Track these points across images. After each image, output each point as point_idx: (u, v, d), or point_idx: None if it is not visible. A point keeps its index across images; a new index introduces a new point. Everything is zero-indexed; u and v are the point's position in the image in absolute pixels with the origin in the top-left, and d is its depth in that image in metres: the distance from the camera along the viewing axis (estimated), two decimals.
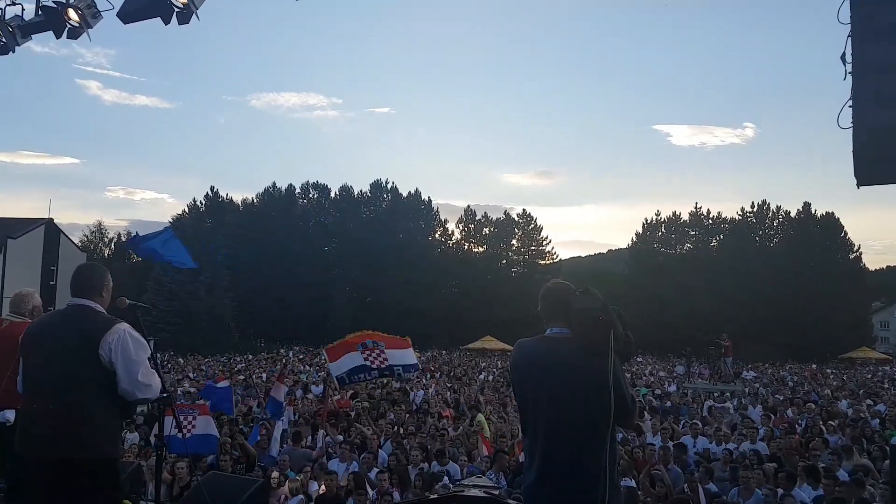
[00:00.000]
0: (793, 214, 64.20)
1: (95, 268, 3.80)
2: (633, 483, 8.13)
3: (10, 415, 4.77)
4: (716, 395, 21.98)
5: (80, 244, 60.00)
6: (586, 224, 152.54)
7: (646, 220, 67.90)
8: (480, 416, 14.12)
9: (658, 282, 58.94)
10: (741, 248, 60.97)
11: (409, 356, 11.96)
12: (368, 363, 11.41)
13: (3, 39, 8.63)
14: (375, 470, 9.26)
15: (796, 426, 13.52)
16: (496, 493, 2.31)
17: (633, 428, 11.07)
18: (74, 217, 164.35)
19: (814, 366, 40.53)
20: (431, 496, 3.58)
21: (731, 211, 67.92)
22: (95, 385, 3.33)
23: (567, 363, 3.03)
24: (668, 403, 17.98)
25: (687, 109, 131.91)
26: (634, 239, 68.13)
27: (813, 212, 63.34)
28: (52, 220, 51.08)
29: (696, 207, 66.73)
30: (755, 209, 65.25)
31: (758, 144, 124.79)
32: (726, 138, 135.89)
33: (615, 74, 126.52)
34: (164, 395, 3.85)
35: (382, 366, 11.51)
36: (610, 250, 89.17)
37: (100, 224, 76.05)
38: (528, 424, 3.21)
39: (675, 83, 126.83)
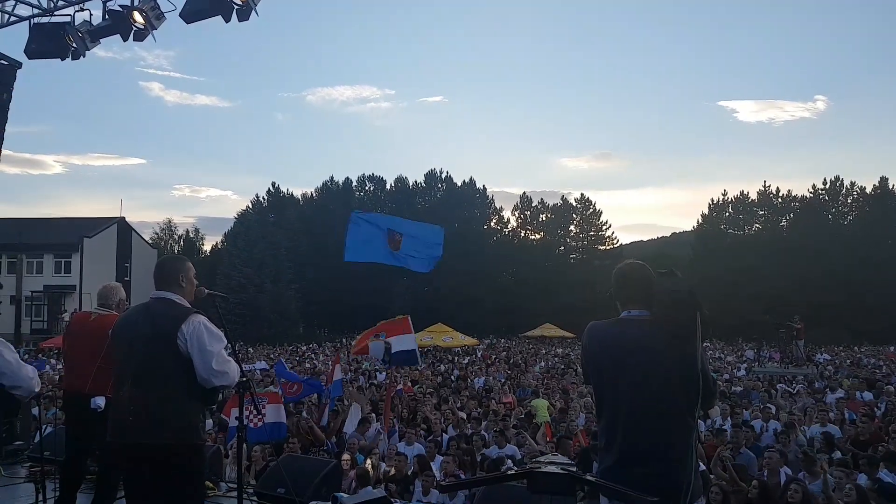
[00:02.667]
0: (868, 190, 61.09)
1: (173, 260, 3.94)
2: (703, 467, 7.99)
3: (101, 401, 5.05)
4: (788, 378, 21.31)
5: (150, 241, 62.40)
6: (648, 207, 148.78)
7: (712, 200, 65.80)
8: (540, 402, 14.09)
9: (725, 264, 56.98)
10: (813, 228, 58.36)
11: (408, 341, 11.09)
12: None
13: (74, 45, 9.07)
14: (440, 458, 9.41)
15: (875, 410, 12.99)
16: (573, 469, 2.31)
17: (712, 410, 10.88)
18: (144, 216, 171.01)
19: (891, 349, 38.67)
20: (508, 472, 3.59)
21: (801, 188, 65.34)
22: (175, 373, 3.46)
23: (648, 346, 2.97)
24: (739, 388, 17.56)
25: (753, 84, 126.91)
26: (700, 221, 66.02)
27: (890, 187, 60.12)
28: (123, 218, 53.37)
29: (764, 186, 64.31)
30: (828, 186, 62.24)
31: (830, 118, 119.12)
32: (796, 112, 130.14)
33: (676, 50, 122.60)
34: (243, 379, 4.00)
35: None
36: (674, 233, 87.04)
37: (169, 221, 78.98)
38: (604, 408, 3.16)
39: (740, 56, 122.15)
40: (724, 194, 65.37)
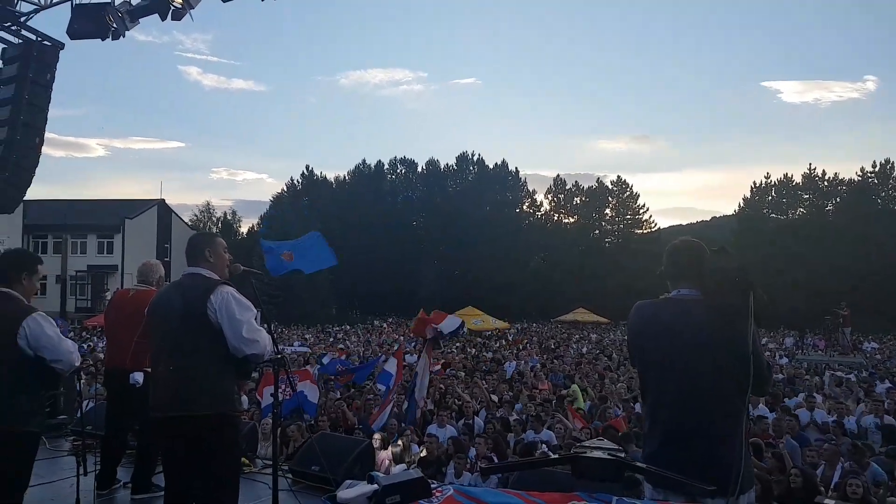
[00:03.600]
0: None
1: (199, 236, 3.95)
2: None
3: (139, 377, 5.12)
4: (835, 367, 20.80)
5: (190, 223, 63.44)
6: (688, 190, 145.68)
7: (754, 184, 63.79)
8: (575, 387, 13.99)
9: (768, 250, 55.37)
10: (861, 212, 56.17)
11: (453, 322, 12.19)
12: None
13: (115, 25, 9.15)
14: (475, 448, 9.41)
15: None
16: (621, 455, 2.22)
17: (766, 396, 10.65)
18: (183, 198, 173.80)
19: None
20: (553, 456, 3.51)
21: (849, 171, 63.22)
22: (208, 345, 3.48)
23: (698, 327, 2.84)
24: (781, 376, 17.21)
25: (799, 63, 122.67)
26: (742, 204, 64.25)
27: None
28: (163, 200, 54.36)
29: (809, 169, 62.07)
30: (877, 169, 59.78)
31: (880, 98, 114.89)
32: (844, 93, 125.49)
33: (717, 29, 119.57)
34: (277, 356, 3.99)
35: None
36: (714, 217, 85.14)
37: (208, 204, 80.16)
38: (650, 391, 3.05)
39: (784, 35, 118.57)
40: (766, 177, 63.58)
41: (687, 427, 2.82)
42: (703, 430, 2.79)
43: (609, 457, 2.18)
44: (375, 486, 2.04)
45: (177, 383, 3.47)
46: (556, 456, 3.30)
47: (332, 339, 30.01)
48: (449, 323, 11.74)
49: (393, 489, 2.00)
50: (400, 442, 8.99)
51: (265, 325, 3.75)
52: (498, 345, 28.45)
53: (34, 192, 11.82)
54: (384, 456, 8.10)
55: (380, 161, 70.78)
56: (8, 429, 3.68)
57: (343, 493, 2.05)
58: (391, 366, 11.76)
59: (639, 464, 2.42)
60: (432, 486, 2.12)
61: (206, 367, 3.49)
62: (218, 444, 3.49)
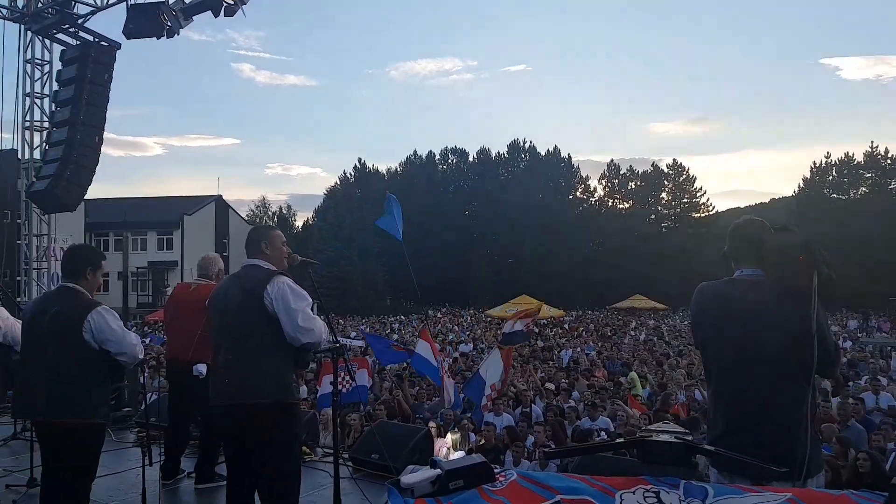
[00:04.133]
0: None
1: (256, 229, 3.99)
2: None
3: (203, 368, 5.22)
4: None
5: (246, 218, 64.95)
6: (746, 171, 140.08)
7: (814, 163, 61.85)
8: (633, 375, 13.79)
9: (829, 231, 53.09)
10: None
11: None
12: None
13: (169, 23, 9.35)
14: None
15: None
16: (688, 438, 2.13)
17: (834, 378, 10.31)
18: (240, 194, 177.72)
19: None
20: (618, 440, 3.44)
21: None
22: (265, 335, 3.52)
23: (761, 308, 2.75)
24: (845, 359, 16.60)
25: (859, 39, 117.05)
26: (801, 185, 62.33)
27: None
28: (220, 196, 55.78)
29: (871, 147, 59.71)
30: None
31: None
32: None
33: (774, 4, 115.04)
34: (336, 345, 4.01)
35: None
36: (773, 199, 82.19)
37: (263, 199, 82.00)
38: (713, 375, 2.98)
39: (844, 9, 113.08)
40: (827, 157, 61.45)
41: (751, 411, 2.75)
42: (768, 414, 2.72)
43: (676, 440, 2.10)
44: (439, 470, 2.02)
45: (235, 373, 3.51)
46: (621, 441, 3.22)
47: (388, 331, 30.30)
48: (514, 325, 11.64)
49: (456, 474, 1.97)
50: (457, 430, 8.99)
51: (322, 316, 3.77)
52: (553, 332, 28.25)
53: (95, 192, 12.25)
54: (441, 444, 8.11)
55: (431, 151, 71.15)
56: (76, 421, 3.77)
57: (406, 478, 2.03)
58: (423, 349, 11.51)
59: (707, 447, 2.32)
60: (495, 470, 2.08)
61: (265, 356, 3.52)
62: (277, 432, 3.52)
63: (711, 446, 2.74)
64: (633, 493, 1.91)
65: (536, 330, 11.13)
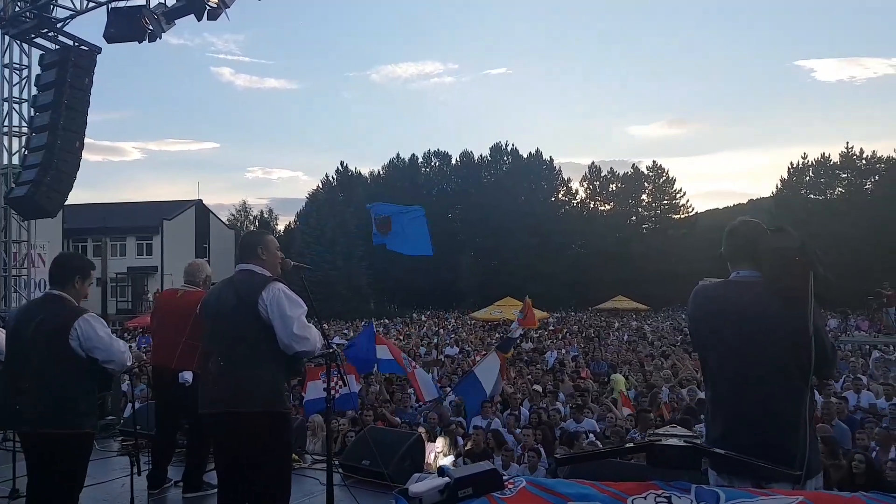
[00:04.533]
0: None
1: (252, 234, 3.99)
2: None
3: (188, 376, 5.13)
4: (879, 347, 20.25)
5: (227, 223, 64.38)
6: (724, 173, 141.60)
7: (791, 164, 62.65)
8: (617, 376, 13.84)
9: (807, 231, 52.45)
10: None
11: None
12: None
13: (151, 27, 9.24)
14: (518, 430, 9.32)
15: None
16: (698, 441, 2.12)
17: (832, 379, 10.40)
18: (220, 198, 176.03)
19: None
20: (627, 445, 3.42)
21: (887, 149, 61.30)
22: (259, 342, 3.46)
23: (757, 309, 2.75)
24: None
25: (832, 41, 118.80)
26: (779, 186, 63.18)
27: None
28: (201, 201, 55.11)
29: (847, 147, 60.68)
30: None
31: None
32: (879, 69, 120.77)
33: (749, 8, 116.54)
34: (330, 350, 3.96)
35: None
36: (751, 200, 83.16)
37: (244, 203, 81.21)
38: (710, 376, 2.98)
39: (817, 12, 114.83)
40: (803, 157, 62.34)
41: (749, 412, 2.75)
42: (767, 416, 2.71)
43: (686, 444, 2.08)
44: (447, 478, 1.98)
45: (228, 380, 3.45)
46: (631, 445, 3.20)
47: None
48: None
49: (465, 482, 1.94)
50: (445, 435, 8.94)
51: (314, 320, 3.73)
52: (538, 334, 28.28)
53: (73, 197, 12.02)
54: (430, 449, 8.06)
55: (413, 154, 71.17)
56: (64, 432, 3.70)
57: (415, 487, 1.99)
58: (384, 353, 11.47)
59: (717, 450, 2.31)
60: (504, 477, 2.05)
61: (258, 364, 3.47)
62: (269, 440, 3.48)
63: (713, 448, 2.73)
64: (645, 498, 1.89)
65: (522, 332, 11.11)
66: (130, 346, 19.89)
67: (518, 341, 11.92)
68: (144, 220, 49.14)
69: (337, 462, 5.52)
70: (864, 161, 60.06)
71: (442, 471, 2.03)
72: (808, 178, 61.98)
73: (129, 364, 4.01)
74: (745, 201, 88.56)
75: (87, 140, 11.27)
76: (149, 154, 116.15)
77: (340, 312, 45.25)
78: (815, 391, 10.65)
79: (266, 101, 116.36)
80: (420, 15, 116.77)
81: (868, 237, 51.40)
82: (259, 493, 3.50)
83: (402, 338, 26.97)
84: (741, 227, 3.01)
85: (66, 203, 12.12)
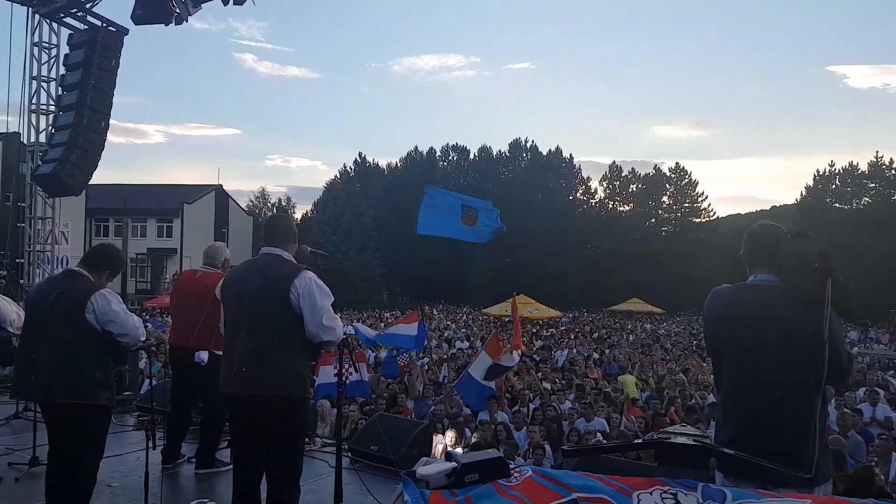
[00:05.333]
0: None
1: (286, 218, 3.97)
2: None
3: (204, 355, 5.22)
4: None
5: (246, 209, 64.84)
6: (747, 178, 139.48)
7: (817, 171, 61.49)
8: (626, 376, 13.74)
9: (831, 240, 50.85)
10: None
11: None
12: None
13: (178, 10, 9.32)
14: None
15: None
16: (707, 441, 2.12)
17: (847, 388, 10.30)
18: (240, 184, 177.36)
19: None
20: (635, 441, 3.43)
21: None
22: (287, 327, 3.49)
23: (774, 314, 2.74)
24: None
25: (867, 47, 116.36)
26: (804, 193, 61.93)
27: None
28: (221, 186, 55.61)
29: (876, 157, 59.39)
30: None
31: None
32: None
33: (782, 11, 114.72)
34: (343, 336, 3.99)
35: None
36: (774, 206, 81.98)
37: (263, 190, 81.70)
38: (723, 380, 2.96)
39: (852, 17, 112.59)
40: (830, 165, 61.18)
41: (761, 417, 2.73)
42: (777, 420, 2.70)
43: (694, 443, 2.08)
44: (454, 463, 2.00)
45: (253, 363, 3.47)
46: (639, 441, 3.20)
47: (382, 324, 30.26)
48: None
49: (472, 467, 1.96)
50: (453, 428, 8.98)
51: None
52: (549, 333, 28.24)
53: (96, 177, 12.17)
54: (438, 440, 8.10)
55: (432, 148, 71.07)
56: (81, 403, 3.78)
57: (423, 470, 2.02)
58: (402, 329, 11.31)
59: (725, 450, 2.31)
60: (511, 466, 2.07)
61: (285, 351, 3.50)
62: (289, 423, 3.52)
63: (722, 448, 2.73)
64: (651, 493, 1.91)
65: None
66: (147, 326, 20.20)
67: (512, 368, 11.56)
68: (165, 202, 49.66)
69: (346, 447, 5.59)
70: (893, 171, 59.01)
71: (450, 456, 2.05)
72: (834, 186, 60.94)
73: (142, 339, 4.09)
74: (768, 207, 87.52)
75: (111, 121, 11.42)
76: (171, 138, 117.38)
77: (353, 302, 45.48)
78: (833, 402, 10.63)
79: (287, 89, 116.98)
80: (443, 7, 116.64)
81: (893, 249, 50.56)
82: (273, 473, 3.54)
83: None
84: (761, 231, 2.99)
85: (90, 183, 12.29)
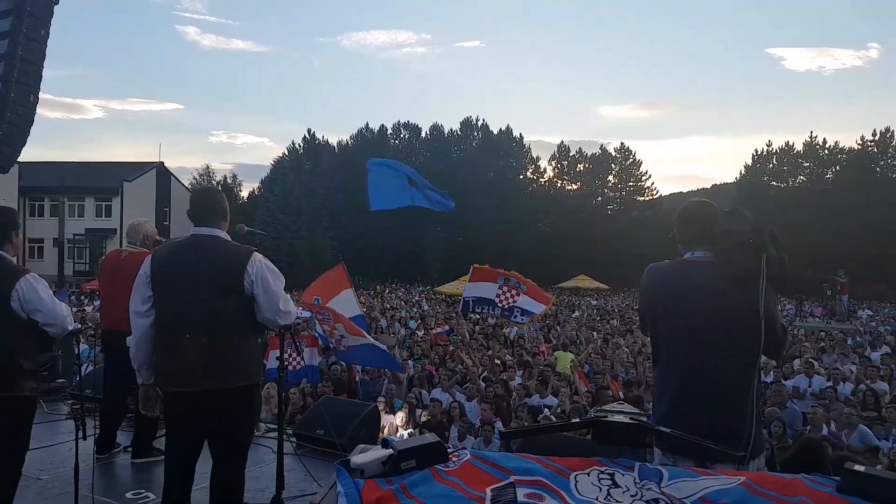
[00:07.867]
0: None
1: (215, 192, 3.67)
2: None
3: None
4: (833, 333, 20.89)
5: (189, 187, 63.11)
6: (690, 158, 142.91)
7: (756, 151, 63.91)
8: (561, 353, 13.79)
9: (768, 217, 54.04)
10: (860, 181, 56.13)
11: (537, 307, 11.60)
12: (497, 300, 11.35)
13: None
14: (469, 404, 9.37)
15: None
16: (643, 419, 2.12)
17: (781, 359, 10.68)
18: (183, 161, 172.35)
19: None
20: (572, 420, 3.44)
21: (849, 140, 62.79)
22: (241, 316, 3.32)
23: (709, 290, 2.76)
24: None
25: (804, 30, 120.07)
26: (743, 172, 64.43)
27: None
28: (162, 163, 54.00)
29: (811, 137, 62.14)
30: (877, 137, 59.60)
31: (882, 67, 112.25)
32: (847, 61, 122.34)
33: None
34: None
35: (506, 306, 11.34)
36: (715, 185, 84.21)
37: (207, 167, 79.24)
38: (660, 355, 2.98)
39: (791, 1, 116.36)
40: (768, 145, 63.66)
41: (695, 391, 2.77)
42: (713, 395, 2.74)
43: (631, 421, 2.08)
44: (390, 450, 1.95)
45: (211, 356, 3.23)
46: (576, 420, 3.22)
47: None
48: (478, 289, 11.41)
49: (408, 454, 1.91)
50: (405, 407, 8.96)
51: None
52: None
53: (30, 154, 11.60)
54: (387, 420, 8.08)
55: (383, 125, 70.32)
56: (3, 394, 3.58)
57: (357, 458, 1.95)
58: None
59: (662, 428, 2.32)
60: (449, 450, 2.03)
61: (241, 339, 3.34)
62: (243, 411, 3.40)
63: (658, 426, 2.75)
64: (588, 474, 1.89)
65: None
66: (85, 311, 19.52)
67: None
68: (104, 180, 47.95)
69: (290, 431, 5.49)
70: (826, 151, 61.50)
71: (386, 442, 2.00)
72: (771, 165, 63.23)
73: (69, 328, 3.88)
74: (709, 186, 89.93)
75: (46, 96, 10.98)
76: (110, 113, 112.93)
77: (304, 283, 44.88)
78: (771, 374, 10.99)
79: (232, 63, 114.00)
80: None
81: (826, 226, 52.83)
82: (223, 461, 3.39)
83: (365, 310, 26.89)
84: (694, 209, 3.01)
85: (23, 160, 11.66)
